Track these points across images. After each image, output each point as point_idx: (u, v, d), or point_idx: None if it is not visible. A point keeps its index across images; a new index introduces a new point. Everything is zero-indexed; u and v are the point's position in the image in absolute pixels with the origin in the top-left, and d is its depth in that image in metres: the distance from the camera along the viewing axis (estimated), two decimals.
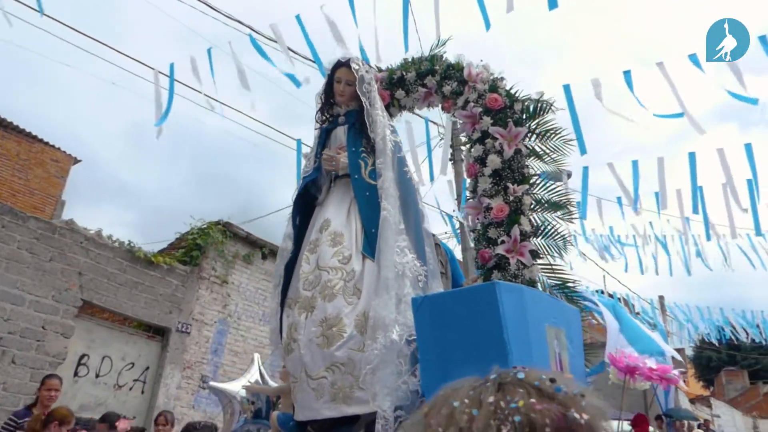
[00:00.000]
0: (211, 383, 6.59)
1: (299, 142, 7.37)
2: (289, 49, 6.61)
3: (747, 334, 15.16)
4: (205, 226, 10.74)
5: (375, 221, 2.76)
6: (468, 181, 3.32)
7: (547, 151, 3.23)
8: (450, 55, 3.53)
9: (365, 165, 2.95)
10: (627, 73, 5.67)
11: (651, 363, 2.57)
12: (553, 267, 3.07)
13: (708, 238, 8.41)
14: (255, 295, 11.41)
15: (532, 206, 3.09)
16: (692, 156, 6.97)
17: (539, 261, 3.02)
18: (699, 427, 12.43)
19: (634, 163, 7.41)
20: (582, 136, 5.46)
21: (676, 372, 2.59)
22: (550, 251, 3.08)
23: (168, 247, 11.25)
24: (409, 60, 3.64)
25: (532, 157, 3.23)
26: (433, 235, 3.14)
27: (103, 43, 7.37)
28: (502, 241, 2.97)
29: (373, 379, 2.45)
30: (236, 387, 4.49)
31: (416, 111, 3.95)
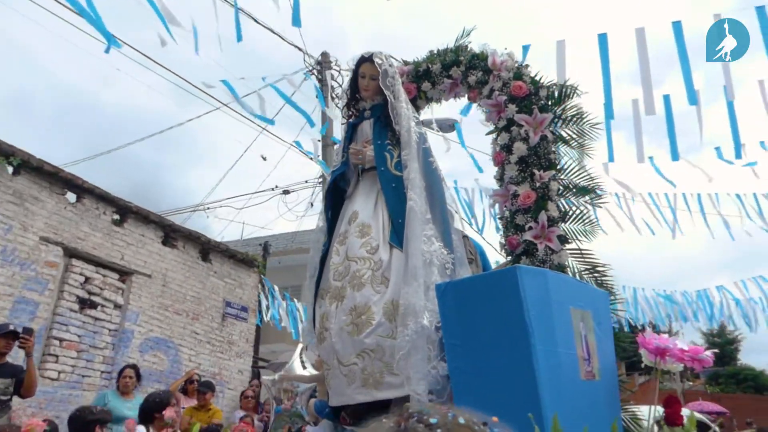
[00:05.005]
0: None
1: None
2: None
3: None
4: None
5: (401, 211, 2.82)
6: (495, 169, 3.34)
7: (574, 135, 3.23)
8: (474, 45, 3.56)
9: (391, 157, 3.01)
10: None
11: (682, 344, 2.55)
12: (582, 251, 3.07)
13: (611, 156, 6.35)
14: None
15: (559, 192, 3.10)
16: (603, 38, 5.23)
17: (568, 246, 3.03)
18: None
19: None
20: None
21: (708, 353, 2.56)
22: (578, 236, 3.08)
23: None
24: (435, 52, 3.68)
25: (559, 143, 3.23)
26: (461, 231, 3.19)
27: None
28: (530, 227, 3.00)
29: (406, 364, 2.51)
30: (273, 377, 4.63)
31: None
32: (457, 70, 3.51)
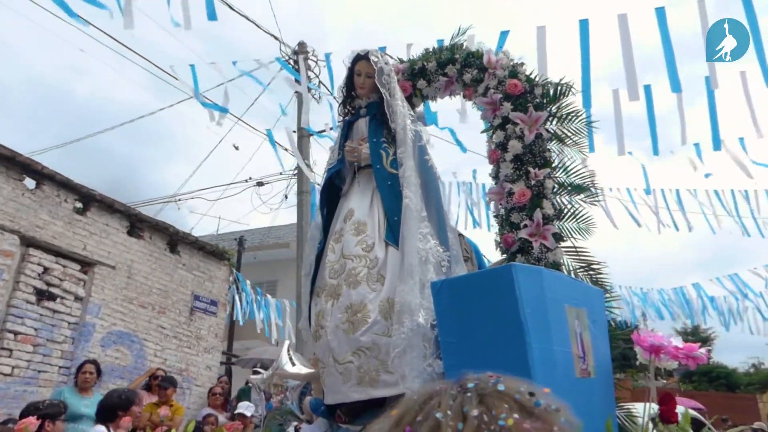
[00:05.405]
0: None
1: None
2: None
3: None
4: None
5: (397, 209, 2.81)
6: (491, 167, 3.34)
7: (569, 134, 3.24)
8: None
9: (387, 155, 3.01)
10: None
11: (677, 342, 2.56)
12: (578, 249, 3.07)
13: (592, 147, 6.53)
14: None
15: (554, 190, 3.11)
16: (584, 24, 5.22)
17: (563, 244, 3.03)
18: None
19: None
20: None
21: (703, 351, 2.57)
22: (573, 234, 3.09)
23: None
24: (430, 50, 3.68)
25: (554, 141, 3.24)
26: (456, 230, 3.20)
27: None
28: (525, 225, 3.00)
29: (401, 362, 2.51)
30: (264, 376, 4.59)
31: None
32: (452, 68, 3.51)
